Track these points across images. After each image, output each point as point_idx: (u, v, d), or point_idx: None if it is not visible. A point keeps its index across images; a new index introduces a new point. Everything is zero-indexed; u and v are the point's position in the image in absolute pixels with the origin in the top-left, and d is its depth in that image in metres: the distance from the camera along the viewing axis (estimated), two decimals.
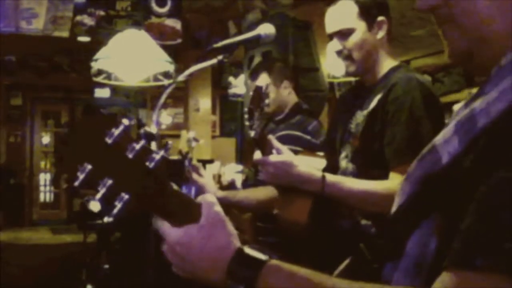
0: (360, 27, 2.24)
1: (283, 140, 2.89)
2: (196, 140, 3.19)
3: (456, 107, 1.00)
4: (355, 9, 2.24)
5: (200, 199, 1.00)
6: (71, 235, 9.48)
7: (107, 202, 0.88)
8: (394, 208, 0.93)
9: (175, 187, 0.93)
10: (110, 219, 0.89)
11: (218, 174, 3.42)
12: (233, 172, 4.47)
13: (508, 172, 0.72)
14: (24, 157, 12.63)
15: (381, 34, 2.25)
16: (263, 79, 3.14)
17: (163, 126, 10.33)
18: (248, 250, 0.97)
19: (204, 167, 3.27)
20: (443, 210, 0.82)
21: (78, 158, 0.87)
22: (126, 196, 0.88)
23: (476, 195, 0.74)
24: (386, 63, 2.27)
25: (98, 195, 0.87)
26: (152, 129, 2.69)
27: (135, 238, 4.28)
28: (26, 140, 12.74)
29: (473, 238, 0.73)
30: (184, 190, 4.69)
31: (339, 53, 2.28)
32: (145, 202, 0.90)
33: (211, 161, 4.67)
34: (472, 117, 0.81)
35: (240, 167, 4.61)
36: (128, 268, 4.59)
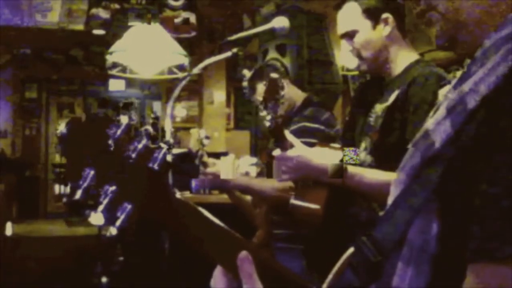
0: (364, 26, 2.25)
1: (298, 133, 2.88)
2: (207, 137, 3.16)
3: (443, 91, 1.04)
4: (358, 9, 2.26)
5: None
6: (86, 228, 9.52)
7: (110, 214, 0.82)
8: (391, 198, 0.94)
9: (178, 194, 0.85)
10: (114, 232, 0.84)
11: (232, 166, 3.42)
12: (248, 165, 4.47)
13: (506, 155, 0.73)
14: (39, 149, 12.70)
15: (387, 30, 2.25)
16: (262, 89, 3.11)
17: (178, 119, 10.35)
18: None
19: (219, 159, 3.28)
20: (441, 194, 0.83)
21: (81, 164, 0.81)
22: (128, 206, 0.81)
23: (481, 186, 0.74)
24: (402, 58, 2.27)
25: (101, 207, 0.81)
26: (167, 122, 2.70)
27: (150, 231, 4.30)
28: (41, 132, 12.80)
29: (490, 230, 0.72)
30: (193, 184, 4.70)
31: (351, 52, 2.30)
32: (149, 210, 0.83)
33: (225, 154, 4.68)
34: (461, 99, 0.82)
35: (254, 160, 4.62)
36: (143, 261, 4.61)
